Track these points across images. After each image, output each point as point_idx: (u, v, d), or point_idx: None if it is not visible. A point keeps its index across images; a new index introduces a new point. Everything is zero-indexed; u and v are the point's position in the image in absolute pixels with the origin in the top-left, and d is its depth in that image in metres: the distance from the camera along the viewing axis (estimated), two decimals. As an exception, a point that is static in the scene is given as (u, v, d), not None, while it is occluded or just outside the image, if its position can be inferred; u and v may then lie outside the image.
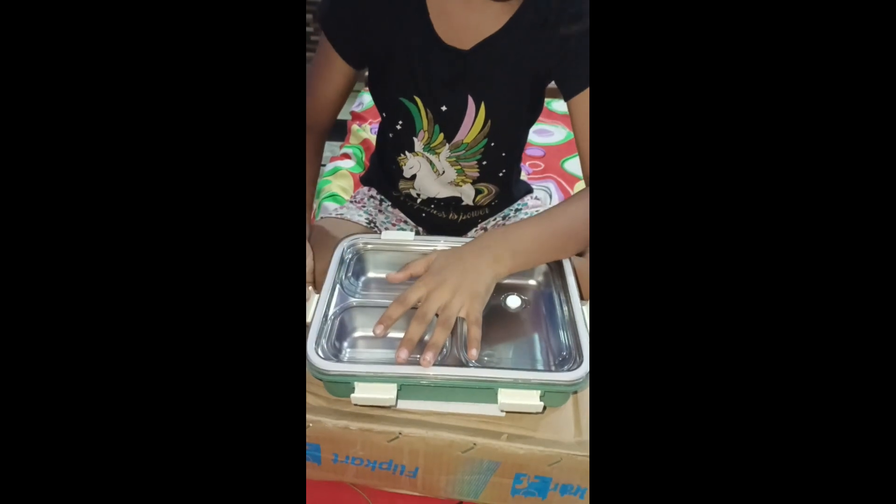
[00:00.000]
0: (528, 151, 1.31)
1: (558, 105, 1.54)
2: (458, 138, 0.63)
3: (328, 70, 0.62)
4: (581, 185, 1.14)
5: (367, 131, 1.27)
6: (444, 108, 0.61)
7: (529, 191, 0.82)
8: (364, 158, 1.16)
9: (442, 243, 0.63)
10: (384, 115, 0.67)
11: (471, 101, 0.60)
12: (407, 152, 0.67)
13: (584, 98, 0.58)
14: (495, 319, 0.58)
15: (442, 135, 0.63)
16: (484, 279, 0.52)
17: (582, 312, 0.53)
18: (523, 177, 0.87)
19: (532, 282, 0.63)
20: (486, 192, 0.72)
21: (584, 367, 0.47)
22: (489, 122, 0.61)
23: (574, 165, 1.22)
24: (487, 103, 0.60)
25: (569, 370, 0.47)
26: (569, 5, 0.56)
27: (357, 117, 1.32)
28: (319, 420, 0.50)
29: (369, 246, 0.64)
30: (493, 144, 0.64)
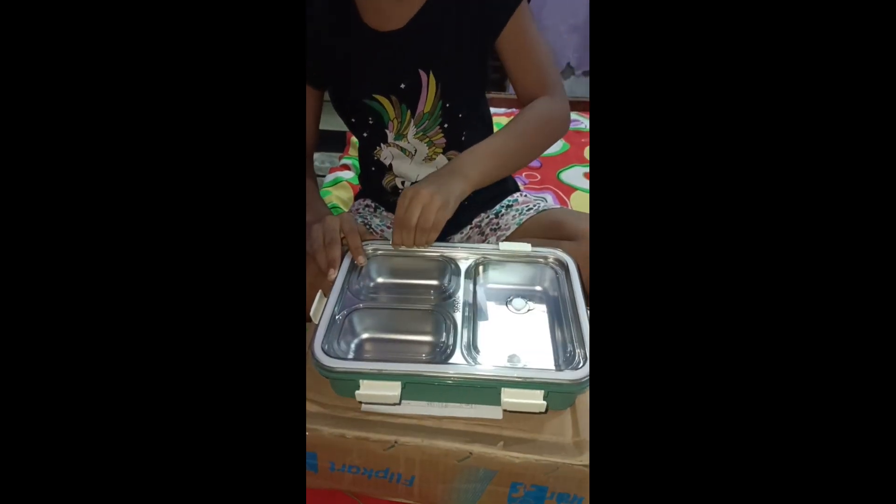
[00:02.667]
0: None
1: (554, 117, 1.57)
2: (419, 110, 0.69)
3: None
4: (577, 196, 1.15)
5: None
6: (402, 86, 0.67)
7: (517, 188, 0.86)
8: (360, 172, 1.18)
9: (448, 250, 0.65)
10: (353, 120, 0.73)
11: (421, 72, 0.66)
12: (382, 144, 0.73)
13: (508, 32, 0.65)
14: (502, 321, 0.59)
15: (409, 112, 0.69)
16: (454, 190, 0.59)
17: (586, 315, 0.54)
18: (522, 188, 0.89)
19: (538, 287, 0.64)
20: None
21: (588, 367, 0.48)
22: (439, 84, 0.67)
23: (570, 176, 1.24)
24: (434, 69, 0.66)
25: (572, 370, 0.48)
26: None
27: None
28: (316, 428, 0.51)
29: (378, 251, 0.65)
30: (447, 105, 0.69)
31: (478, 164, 0.61)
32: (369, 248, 0.64)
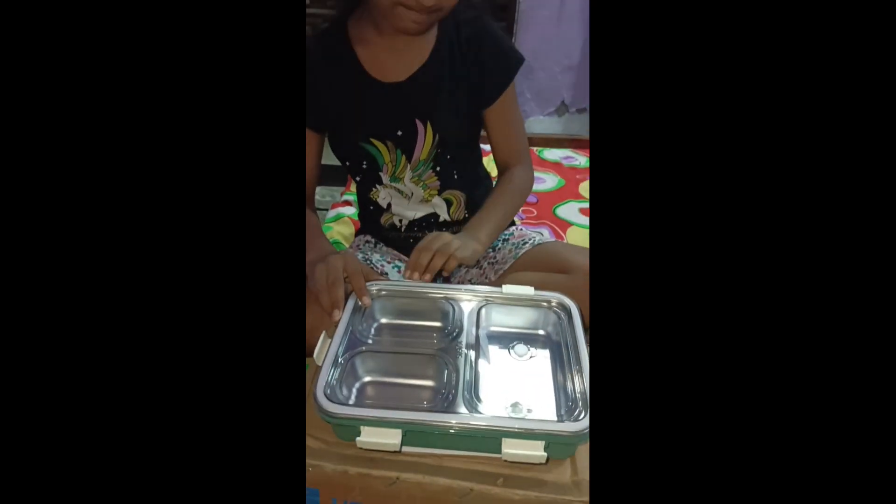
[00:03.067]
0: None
1: (549, 154, 1.60)
2: (415, 157, 0.73)
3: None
4: (572, 230, 1.17)
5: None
6: (399, 134, 0.71)
7: (513, 223, 0.89)
8: (359, 210, 1.20)
9: (451, 291, 0.66)
10: (348, 164, 0.76)
11: (418, 122, 0.70)
12: (377, 185, 0.76)
13: (497, 105, 0.73)
14: (504, 367, 0.60)
15: (404, 157, 0.72)
16: (471, 245, 0.68)
17: (588, 363, 0.55)
18: (518, 223, 0.91)
19: (541, 332, 0.65)
20: (454, 201, 0.79)
21: (589, 419, 0.48)
22: (436, 135, 0.72)
23: (565, 211, 1.26)
24: (432, 121, 0.71)
25: (573, 421, 0.49)
26: (473, 42, 0.70)
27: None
28: (319, 464, 0.51)
29: (383, 292, 0.66)
30: (439, 152, 0.73)
31: (484, 229, 0.71)
32: (373, 288, 0.65)
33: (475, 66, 0.71)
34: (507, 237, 0.83)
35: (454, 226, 0.81)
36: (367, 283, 0.65)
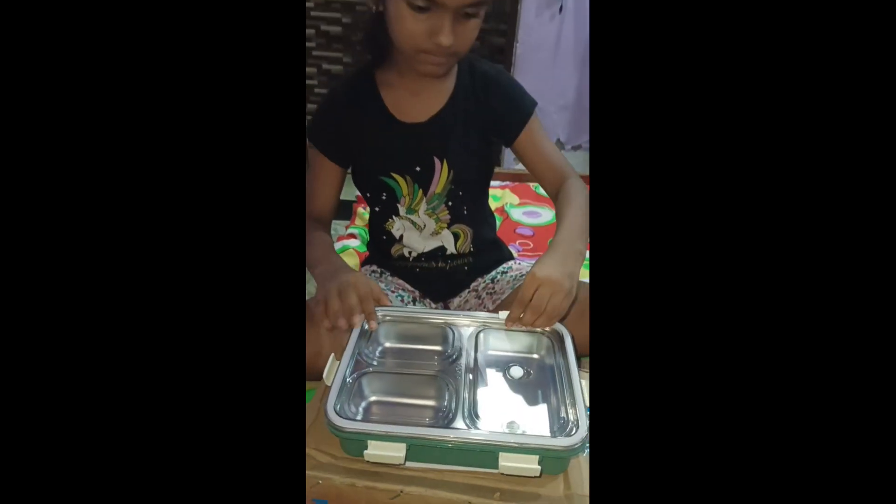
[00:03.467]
0: (519, 231, 1.41)
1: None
2: (431, 191, 0.79)
3: (322, 173, 0.80)
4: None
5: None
6: (418, 169, 0.78)
7: (512, 257, 0.94)
8: (369, 240, 1.25)
9: (452, 317, 0.71)
10: (368, 195, 0.83)
11: (436, 159, 0.77)
12: (394, 216, 0.82)
13: (523, 138, 0.78)
14: (500, 387, 0.64)
15: (421, 191, 0.79)
16: (577, 272, 0.67)
17: (580, 385, 0.59)
18: (516, 256, 0.96)
19: (535, 356, 0.69)
20: (462, 235, 0.85)
21: (581, 434, 0.52)
22: (451, 171, 0.79)
23: (561, 245, 1.31)
24: (448, 158, 0.78)
25: (566, 436, 0.53)
26: (488, 89, 0.78)
27: (362, 201, 1.42)
28: (329, 477, 0.55)
29: (387, 318, 0.70)
30: (452, 188, 0.80)
31: (581, 240, 0.70)
32: (379, 313, 0.70)
33: (489, 110, 0.78)
34: (505, 270, 0.88)
35: (460, 258, 0.86)
36: (375, 309, 0.70)
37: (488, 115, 0.78)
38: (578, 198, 0.74)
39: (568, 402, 0.58)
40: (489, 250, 0.89)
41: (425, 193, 0.80)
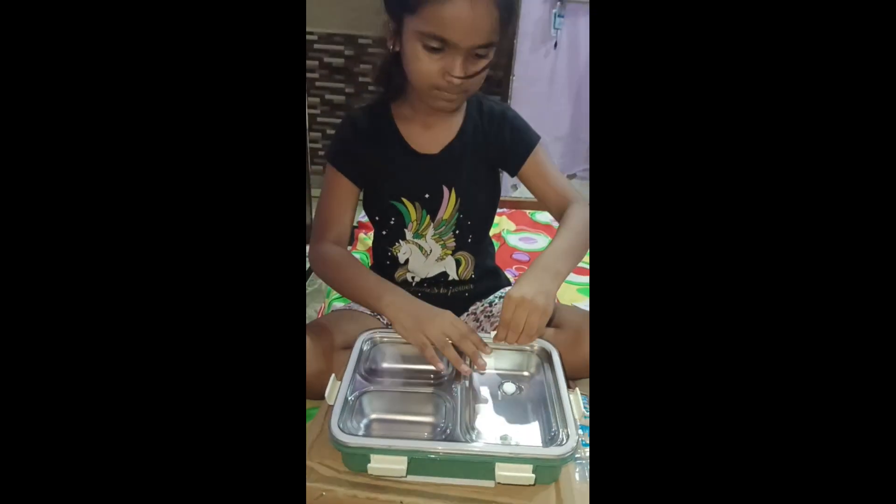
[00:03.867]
0: (515, 256, 1.45)
1: (540, 216, 1.72)
2: (439, 216, 0.84)
3: (339, 192, 0.84)
4: (563, 288, 1.26)
5: (371, 239, 1.41)
6: (427, 196, 0.83)
7: (509, 283, 0.98)
8: (370, 263, 1.29)
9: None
10: (377, 218, 0.87)
11: (444, 188, 0.83)
12: (400, 241, 0.86)
13: (528, 167, 0.84)
14: (494, 403, 0.67)
15: (428, 217, 0.84)
16: (553, 291, 0.71)
17: (568, 398, 0.62)
18: (513, 280, 1.00)
19: (526, 373, 0.73)
20: (464, 262, 0.89)
21: (571, 443, 0.56)
22: (459, 199, 0.84)
23: (555, 270, 1.36)
24: (456, 187, 0.82)
25: (557, 446, 0.56)
26: (495, 123, 0.83)
27: (363, 226, 1.46)
28: (332, 489, 0.58)
29: (385, 339, 0.74)
30: (461, 216, 0.85)
31: (562, 260, 0.73)
32: (377, 335, 0.73)
33: (497, 143, 0.84)
34: (502, 295, 0.92)
35: (461, 284, 0.90)
36: (372, 331, 0.74)
37: (495, 148, 0.84)
38: (573, 220, 0.78)
39: (557, 415, 0.61)
40: (488, 278, 0.94)
41: (433, 219, 0.84)
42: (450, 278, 0.89)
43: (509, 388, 0.69)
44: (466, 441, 0.58)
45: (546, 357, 0.71)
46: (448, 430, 0.59)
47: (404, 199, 0.83)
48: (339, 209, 0.84)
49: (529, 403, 0.68)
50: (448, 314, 0.71)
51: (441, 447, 0.56)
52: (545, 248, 0.76)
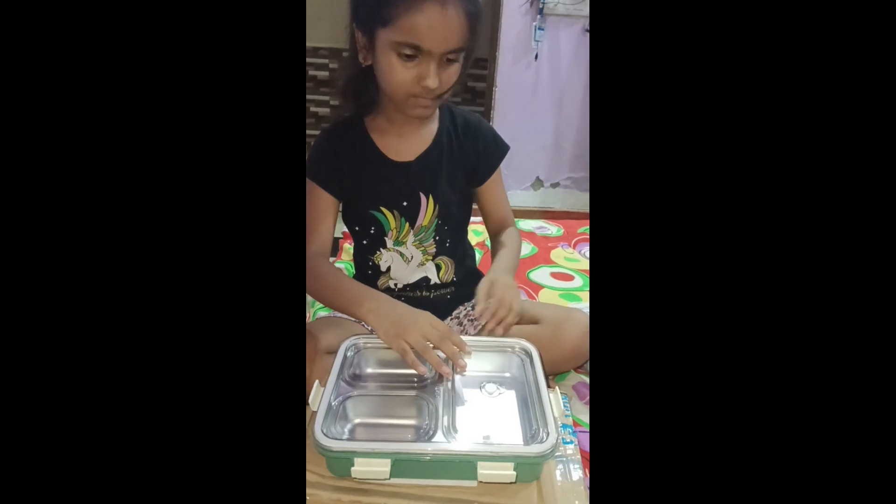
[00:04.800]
0: (499, 264, 1.47)
1: (524, 224, 1.74)
2: (418, 223, 0.86)
3: (318, 205, 0.86)
4: (544, 292, 1.28)
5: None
6: (405, 204, 0.85)
7: None
8: (354, 273, 1.30)
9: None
10: (357, 228, 0.89)
11: (422, 195, 0.85)
12: (381, 249, 0.88)
13: (491, 180, 0.91)
14: (476, 404, 0.68)
15: (407, 224, 0.86)
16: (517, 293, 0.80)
17: (548, 397, 0.64)
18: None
19: (507, 374, 0.74)
20: (444, 266, 0.91)
21: (551, 441, 0.57)
22: (437, 206, 0.86)
23: (538, 276, 1.37)
24: (433, 194, 0.85)
25: (538, 444, 0.57)
26: (469, 132, 0.88)
27: (348, 236, 1.47)
28: (316, 493, 0.58)
29: (368, 345, 0.75)
30: (440, 222, 0.88)
31: (510, 273, 0.86)
32: (359, 341, 0.74)
33: (471, 151, 0.88)
34: None
35: (443, 288, 0.92)
36: (356, 336, 0.75)
37: (469, 156, 0.88)
38: (513, 243, 0.90)
39: (538, 413, 0.62)
40: (470, 281, 0.95)
41: (412, 226, 0.86)
42: (431, 282, 0.91)
43: (491, 388, 0.71)
44: (449, 442, 0.58)
45: (527, 356, 0.72)
46: (431, 432, 0.60)
47: (383, 209, 0.85)
48: (319, 221, 0.85)
49: (511, 403, 0.69)
50: (427, 316, 0.73)
51: (424, 448, 0.57)
52: (494, 260, 0.87)
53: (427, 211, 0.86)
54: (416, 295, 0.91)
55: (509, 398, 0.70)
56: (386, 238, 0.87)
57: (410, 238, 0.87)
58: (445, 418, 0.62)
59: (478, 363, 0.74)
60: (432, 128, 0.86)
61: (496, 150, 0.90)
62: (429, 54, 0.69)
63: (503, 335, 0.74)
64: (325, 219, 0.86)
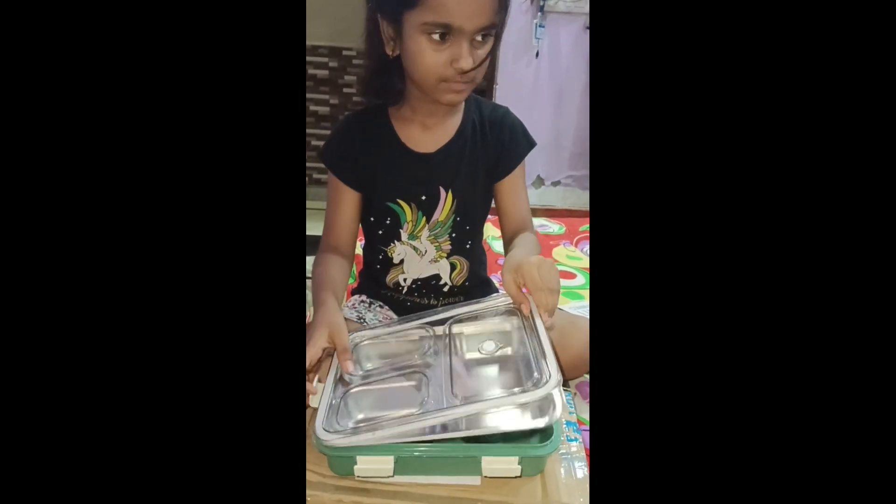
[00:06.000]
0: (500, 262, 1.46)
1: (526, 221, 1.73)
2: (434, 218, 0.84)
3: (341, 201, 0.83)
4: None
5: (357, 247, 1.41)
6: (423, 198, 0.83)
7: (494, 290, 0.98)
8: (355, 271, 1.28)
9: (426, 330, 0.74)
10: (372, 219, 0.86)
11: (441, 189, 0.82)
12: (396, 241, 0.86)
13: (511, 177, 0.86)
14: (478, 377, 0.67)
15: (424, 219, 0.83)
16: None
17: (546, 334, 0.62)
18: (500, 286, 1.01)
19: (507, 327, 0.73)
20: (458, 266, 0.89)
21: (556, 440, 0.56)
22: (455, 201, 0.84)
23: (541, 275, 1.37)
24: (453, 189, 0.82)
25: (541, 442, 0.56)
26: (495, 125, 0.84)
27: (351, 233, 1.47)
28: (318, 494, 0.57)
29: (366, 341, 0.74)
30: (458, 219, 0.85)
31: (534, 253, 0.78)
32: (356, 337, 0.73)
33: (495, 143, 0.84)
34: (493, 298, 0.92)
35: (452, 295, 0.90)
36: (354, 333, 0.74)
37: (492, 148, 0.84)
38: (531, 246, 0.82)
39: (538, 358, 0.59)
40: (480, 289, 0.93)
41: (428, 221, 0.85)
42: (441, 282, 0.88)
43: (489, 346, 0.69)
44: (454, 434, 0.56)
45: (528, 322, 0.68)
46: (437, 428, 0.58)
47: (400, 201, 0.83)
48: (338, 216, 0.84)
49: (512, 357, 0.67)
50: (324, 332, 0.67)
51: (428, 445, 0.56)
52: (516, 247, 0.80)
53: (445, 206, 0.84)
54: (424, 303, 0.89)
55: (509, 356, 0.68)
56: (401, 231, 0.85)
57: (425, 233, 0.85)
58: (447, 391, 0.59)
59: (476, 326, 0.73)
60: (456, 120, 0.83)
61: (523, 142, 0.85)
62: (460, 33, 0.67)
63: (551, 320, 0.66)
64: (342, 214, 0.84)
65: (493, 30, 0.70)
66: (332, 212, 0.84)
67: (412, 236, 0.85)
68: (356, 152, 0.82)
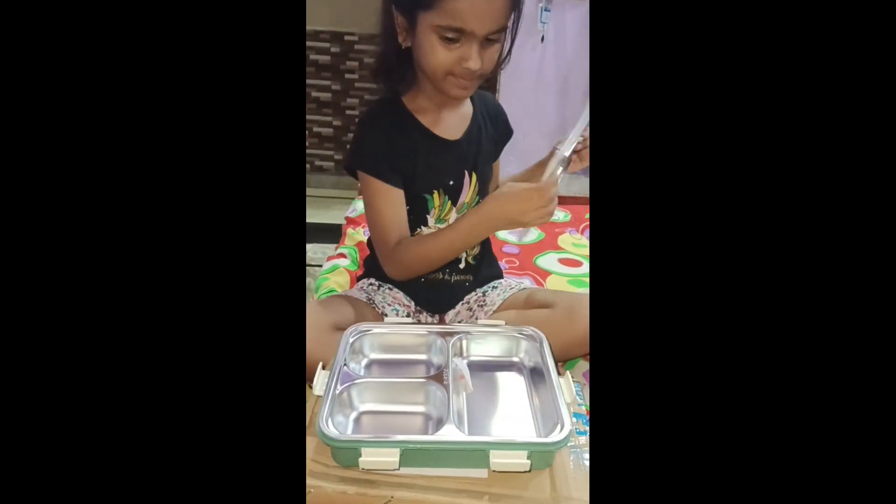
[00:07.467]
0: (505, 249, 1.44)
1: (530, 209, 1.71)
2: (461, 201, 0.86)
3: (390, 202, 0.81)
4: (551, 278, 1.25)
5: (360, 234, 1.38)
6: (451, 183, 0.84)
7: (501, 275, 1.00)
8: (358, 258, 1.26)
9: (432, 329, 0.73)
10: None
11: (466, 173, 0.85)
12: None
13: (496, 162, 0.95)
14: (485, 389, 0.66)
15: (450, 202, 0.85)
16: None
17: (559, 382, 0.62)
18: (503, 273, 1.00)
19: (515, 358, 0.73)
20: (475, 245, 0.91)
21: (566, 430, 0.55)
22: (478, 183, 0.88)
23: (545, 262, 1.35)
24: (476, 171, 0.87)
25: (551, 433, 0.55)
26: (492, 111, 0.91)
27: (351, 222, 1.45)
28: (321, 485, 0.56)
29: (371, 331, 0.73)
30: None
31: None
32: (361, 326, 0.72)
33: (496, 127, 0.91)
34: (496, 285, 0.93)
35: (464, 273, 0.91)
36: (358, 324, 0.73)
37: (493, 132, 0.90)
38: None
39: (550, 400, 0.60)
40: (487, 266, 0.95)
41: (454, 204, 0.86)
42: (460, 264, 0.90)
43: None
44: (460, 430, 0.56)
45: (536, 340, 0.71)
46: (441, 420, 0.58)
47: (432, 189, 0.84)
48: (394, 217, 0.81)
49: (521, 389, 0.67)
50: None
51: (436, 437, 0.55)
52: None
53: (470, 188, 0.86)
54: (438, 277, 0.89)
55: (518, 383, 0.68)
56: (428, 216, 0.85)
57: (453, 215, 0.86)
58: (454, 406, 0.60)
59: (484, 347, 0.73)
60: (468, 105, 0.87)
61: (505, 134, 0.94)
62: (471, 36, 0.69)
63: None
64: (396, 213, 0.81)
65: (504, 32, 0.72)
66: (383, 214, 0.81)
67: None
68: (392, 150, 0.80)
